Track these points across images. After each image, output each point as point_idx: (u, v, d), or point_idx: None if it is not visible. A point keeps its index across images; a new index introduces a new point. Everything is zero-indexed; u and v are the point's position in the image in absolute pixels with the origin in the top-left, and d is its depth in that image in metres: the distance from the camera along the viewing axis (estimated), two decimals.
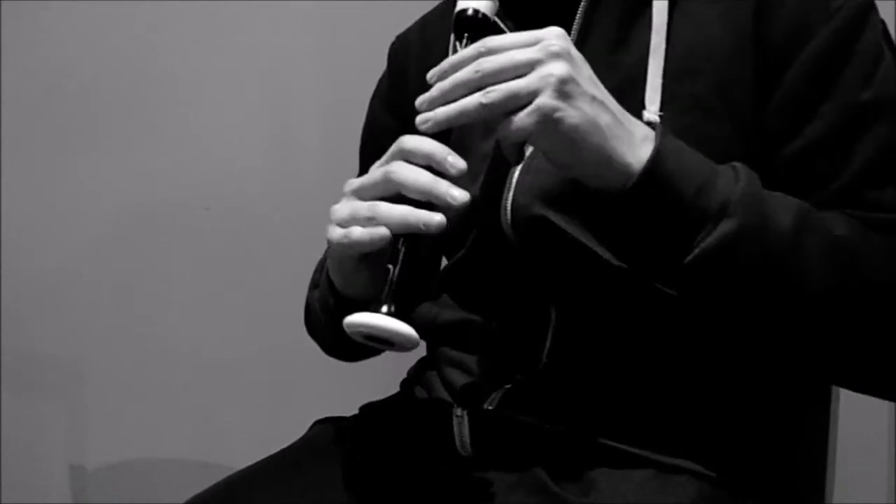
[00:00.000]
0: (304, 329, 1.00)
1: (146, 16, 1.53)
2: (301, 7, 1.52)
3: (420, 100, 0.69)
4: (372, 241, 0.69)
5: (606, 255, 0.74)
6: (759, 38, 0.74)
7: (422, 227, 0.67)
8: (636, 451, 0.75)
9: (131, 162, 1.55)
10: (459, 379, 0.84)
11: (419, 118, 0.68)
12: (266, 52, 1.53)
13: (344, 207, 0.71)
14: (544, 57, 0.65)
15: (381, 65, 1.02)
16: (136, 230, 1.56)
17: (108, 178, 1.56)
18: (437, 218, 0.67)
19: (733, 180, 0.67)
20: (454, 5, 0.75)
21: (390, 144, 0.70)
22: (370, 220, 0.69)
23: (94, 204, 1.56)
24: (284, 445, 0.89)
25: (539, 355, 0.78)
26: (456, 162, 0.68)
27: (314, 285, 0.92)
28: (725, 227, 0.65)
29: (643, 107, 0.74)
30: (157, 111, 1.55)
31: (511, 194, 0.78)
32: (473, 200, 0.68)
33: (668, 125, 0.70)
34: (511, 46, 0.66)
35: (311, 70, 1.53)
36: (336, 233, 0.71)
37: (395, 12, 1.07)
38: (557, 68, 0.65)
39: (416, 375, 0.93)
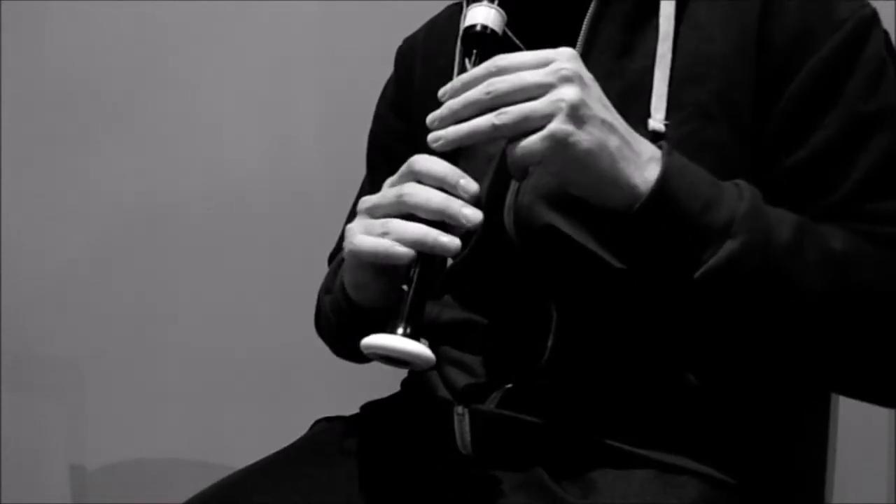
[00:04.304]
0: (304, 329, 1.00)
1: (147, 16, 1.53)
2: (301, 7, 1.52)
3: (430, 117, 0.69)
4: (388, 256, 0.68)
5: (608, 256, 0.74)
6: (762, 42, 0.74)
7: (438, 250, 0.67)
8: (637, 450, 0.75)
9: (132, 162, 1.55)
10: (461, 378, 0.84)
11: (431, 136, 0.69)
12: (266, 53, 1.53)
13: (358, 225, 0.72)
14: (556, 81, 0.65)
15: (380, 65, 1.02)
16: (136, 230, 1.56)
17: (109, 177, 1.56)
18: (456, 243, 0.67)
19: (737, 198, 0.68)
20: (461, 8, 0.74)
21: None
22: (383, 236, 0.69)
23: (95, 204, 1.57)
24: (285, 445, 0.89)
25: (540, 355, 0.78)
26: (468, 185, 0.68)
27: (326, 290, 0.92)
28: (731, 245, 0.66)
29: (648, 114, 0.74)
30: (157, 111, 1.55)
31: (514, 196, 0.78)
32: (478, 202, 0.68)
33: (671, 135, 0.70)
34: (522, 67, 0.66)
35: (311, 70, 1.53)
36: (349, 244, 0.72)
37: (396, 13, 1.07)
38: (569, 93, 0.65)
39: (417, 375, 0.93)
